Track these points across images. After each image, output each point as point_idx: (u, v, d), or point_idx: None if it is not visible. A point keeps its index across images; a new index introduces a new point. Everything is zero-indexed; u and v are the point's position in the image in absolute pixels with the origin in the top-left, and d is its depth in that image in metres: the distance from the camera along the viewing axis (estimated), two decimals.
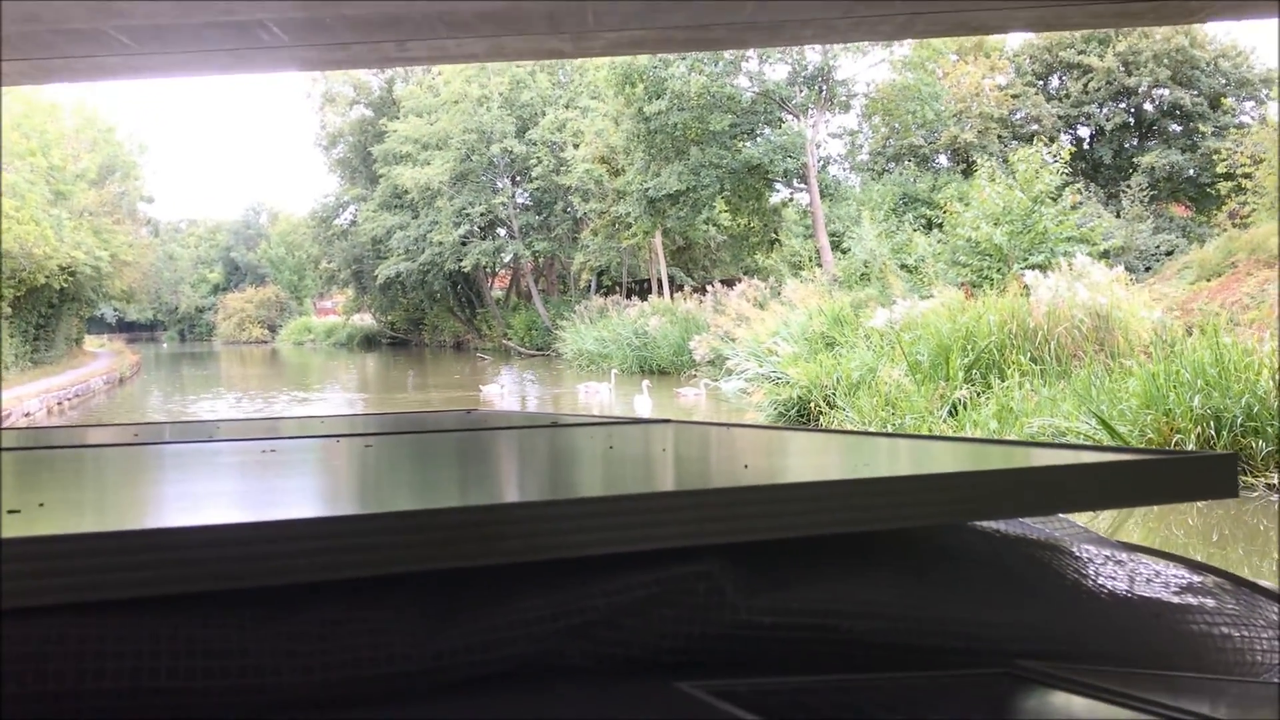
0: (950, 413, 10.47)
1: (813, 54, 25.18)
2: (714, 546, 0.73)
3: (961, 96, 29.28)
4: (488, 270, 42.30)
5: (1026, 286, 12.26)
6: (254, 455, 1.35)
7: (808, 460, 1.26)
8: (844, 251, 23.19)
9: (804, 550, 0.79)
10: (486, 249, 38.02)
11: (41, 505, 0.85)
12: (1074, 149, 18.05)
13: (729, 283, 26.61)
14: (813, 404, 12.73)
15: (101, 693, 0.60)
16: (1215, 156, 27.26)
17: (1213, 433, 8.29)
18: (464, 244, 37.75)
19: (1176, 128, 33.18)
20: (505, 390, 17.27)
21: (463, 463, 1.29)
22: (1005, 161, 19.68)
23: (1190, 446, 8.24)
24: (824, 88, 25.53)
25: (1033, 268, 16.51)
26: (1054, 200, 17.34)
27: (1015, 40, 34.71)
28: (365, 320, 56.67)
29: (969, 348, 11.08)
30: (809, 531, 0.74)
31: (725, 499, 0.74)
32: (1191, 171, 31.28)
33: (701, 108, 24.43)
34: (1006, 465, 0.94)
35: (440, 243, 37.62)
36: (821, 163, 25.82)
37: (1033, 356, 10.69)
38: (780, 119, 25.61)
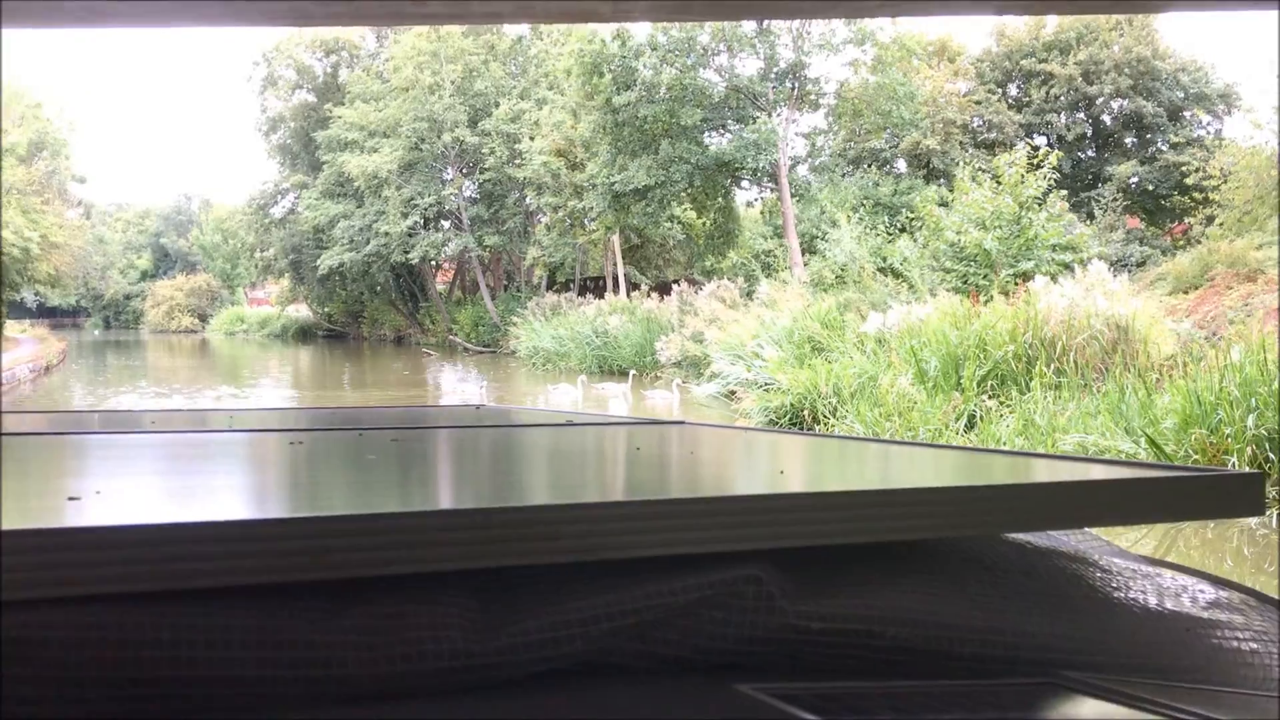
0: (968, 426, 9.84)
1: (785, 50, 24.56)
2: (760, 551, 0.74)
3: (924, 101, 28.93)
4: (433, 264, 41.14)
5: (1028, 292, 11.67)
6: (283, 448, 1.36)
7: (840, 467, 1.27)
8: (815, 253, 22.62)
9: (845, 557, 0.80)
10: (435, 241, 36.75)
11: (99, 493, 0.85)
12: (1051, 156, 17.50)
13: (694, 283, 25.85)
14: (806, 412, 12.05)
15: (178, 680, 0.62)
16: (1185, 169, 27.17)
17: (1271, 454, 7.73)
18: (411, 235, 36.53)
19: (1131, 141, 33.27)
20: (484, 390, 16.37)
21: (497, 460, 1.31)
22: (982, 169, 19.15)
23: (1248, 470, 7.67)
24: (795, 85, 24.91)
25: (1021, 275, 16.05)
26: (1039, 205, 16.87)
27: (976, 47, 34.60)
28: (301, 311, 55.25)
29: (984, 357, 10.45)
30: (854, 539, 0.76)
31: (774, 505, 0.75)
32: (1150, 185, 31.32)
33: (673, 100, 23.61)
34: (1042, 478, 0.95)
35: (387, 233, 36.33)
36: (792, 162, 25.17)
37: (1055, 368, 10.08)
38: (751, 116, 24.89)
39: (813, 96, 25.47)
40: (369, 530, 0.65)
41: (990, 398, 10.06)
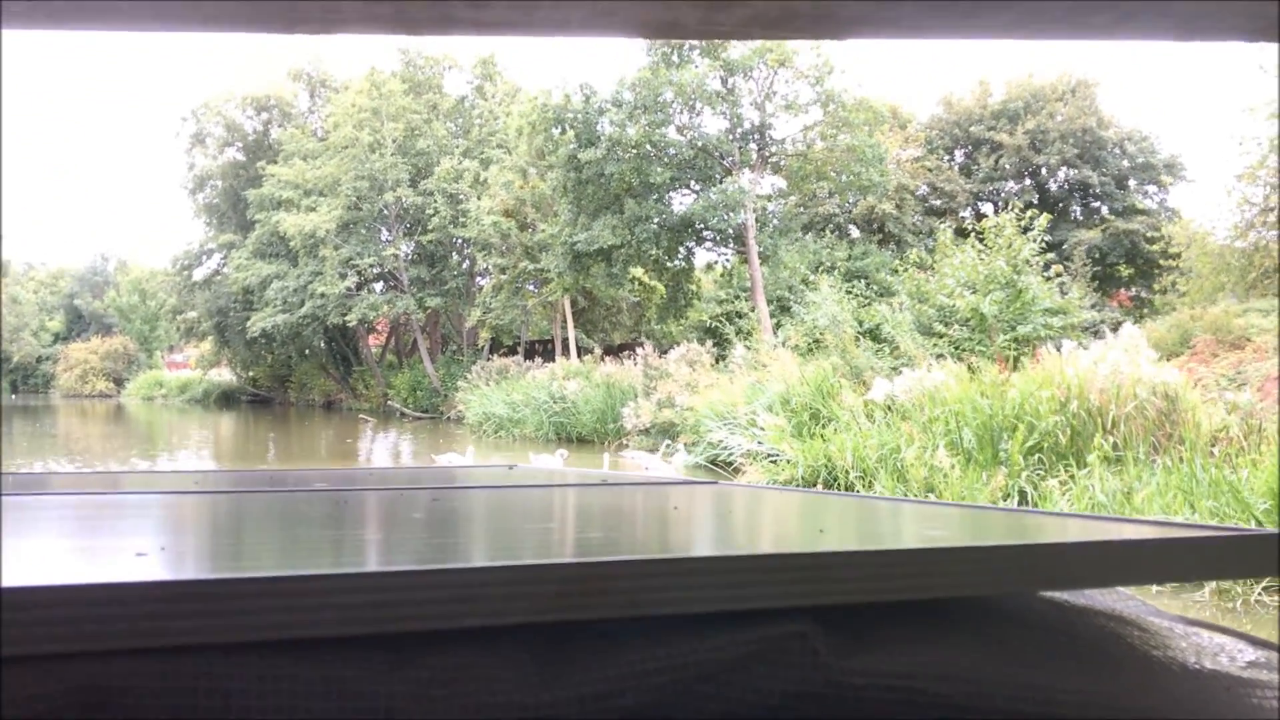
0: (1019, 504, 8.98)
1: (749, 110, 23.99)
2: (805, 607, 0.76)
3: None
4: (365, 326, 39.70)
5: (1058, 357, 10.92)
6: (329, 506, 1.38)
7: (878, 526, 1.28)
8: (779, 316, 21.88)
9: (888, 614, 0.81)
10: (375, 303, 35.36)
11: (163, 549, 0.88)
12: (1041, 218, 17.00)
13: (645, 347, 24.89)
14: (819, 486, 11.12)
15: None
16: (1135, 237, 27.25)
17: None
18: (349, 297, 35.10)
19: (1077, 209, 33.44)
20: (470, 457, 15.16)
21: (541, 518, 1.33)
22: (974, 230, 18.60)
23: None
24: (760, 146, 24.29)
25: (1019, 339, 15.43)
26: (1029, 268, 16.33)
27: (925, 114, 34.61)
28: (223, 375, 53.21)
29: (1031, 429, 9.63)
30: (897, 596, 0.78)
31: (820, 562, 0.76)
32: (1098, 253, 31.41)
33: (639, 158, 22.78)
34: (1077, 538, 0.97)
35: (324, 294, 34.87)
36: (759, 224, 24.47)
37: (1114, 443, 9.29)
38: (716, 176, 24.16)
39: (776, 158, 24.85)
40: (431, 585, 0.66)
41: (1041, 474, 9.23)
